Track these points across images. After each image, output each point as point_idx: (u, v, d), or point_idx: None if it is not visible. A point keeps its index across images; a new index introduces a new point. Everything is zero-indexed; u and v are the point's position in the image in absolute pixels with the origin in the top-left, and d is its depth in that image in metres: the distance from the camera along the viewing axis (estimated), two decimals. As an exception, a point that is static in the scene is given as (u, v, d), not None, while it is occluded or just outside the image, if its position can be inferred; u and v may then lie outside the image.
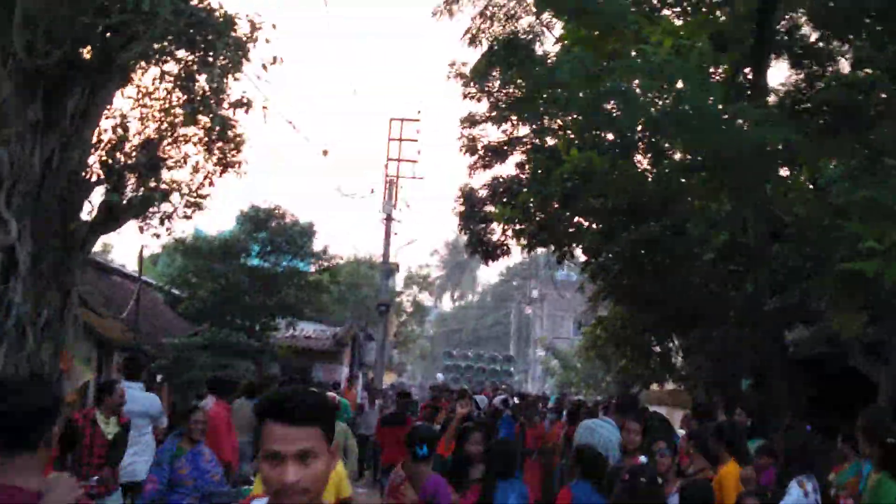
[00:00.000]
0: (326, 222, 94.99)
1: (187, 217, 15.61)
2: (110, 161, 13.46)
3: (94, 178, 13.30)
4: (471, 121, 22.41)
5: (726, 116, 11.09)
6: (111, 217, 13.31)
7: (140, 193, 13.61)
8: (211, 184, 15.35)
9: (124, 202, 13.36)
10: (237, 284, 27.93)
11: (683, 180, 14.39)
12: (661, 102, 11.20)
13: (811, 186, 13.77)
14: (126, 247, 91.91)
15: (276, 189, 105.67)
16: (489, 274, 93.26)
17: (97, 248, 32.54)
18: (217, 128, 15.20)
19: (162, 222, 15.14)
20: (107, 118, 13.54)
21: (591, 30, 11.47)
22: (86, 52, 11.95)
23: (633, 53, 11.38)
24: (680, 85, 10.98)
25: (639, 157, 16.56)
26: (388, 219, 37.50)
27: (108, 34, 11.67)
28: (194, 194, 15.24)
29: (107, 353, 22.03)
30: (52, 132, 11.96)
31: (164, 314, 29.44)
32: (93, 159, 13.23)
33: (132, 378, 11.80)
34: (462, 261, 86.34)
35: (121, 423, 10.18)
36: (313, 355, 34.15)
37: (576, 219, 18.99)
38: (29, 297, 11.90)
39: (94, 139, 13.12)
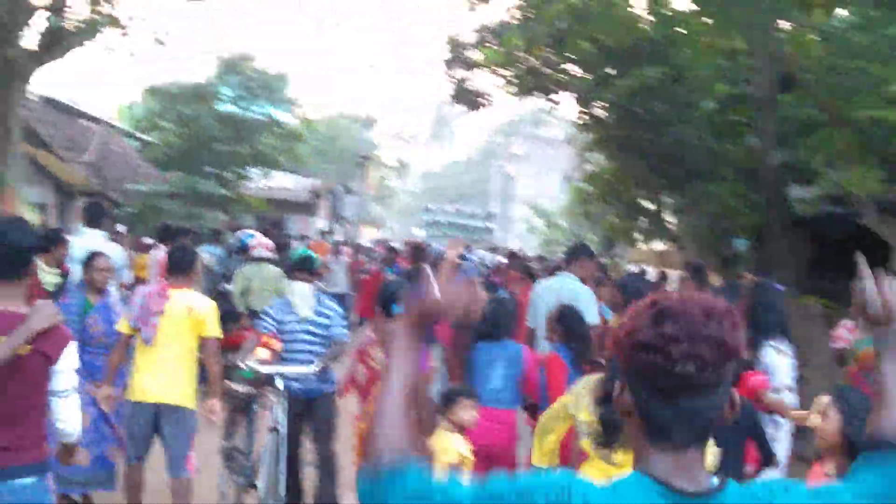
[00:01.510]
0: (305, 74, 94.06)
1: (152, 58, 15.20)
2: None
3: (36, 2, 12.24)
4: None
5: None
6: (54, 43, 12.27)
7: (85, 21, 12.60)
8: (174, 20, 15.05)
9: (70, 27, 12.35)
10: (208, 130, 27.08)
11: (685, 22, 13.41)
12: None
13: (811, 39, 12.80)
14: (104, 95, 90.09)
15: (255, 44, 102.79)
16: (473, 132, 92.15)
17: (72, 94, 31.86)
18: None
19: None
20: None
21: None
22: None
23: None
24: None
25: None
26: (371, 68, 36.34)
27: None
28: (157, 32, 14.85)
29: (67, 198, 21.32)
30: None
31: (132, 161, 28.72)
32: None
33: (93, 225, 10.41)
34: (445, 116, 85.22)
35: (62, 273, 9.23)
36: (288, 207, 33.34)
37: (567, 65, 17.95)
38: (-37, 130, 11.03)
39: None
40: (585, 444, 4.74)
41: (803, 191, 13.90)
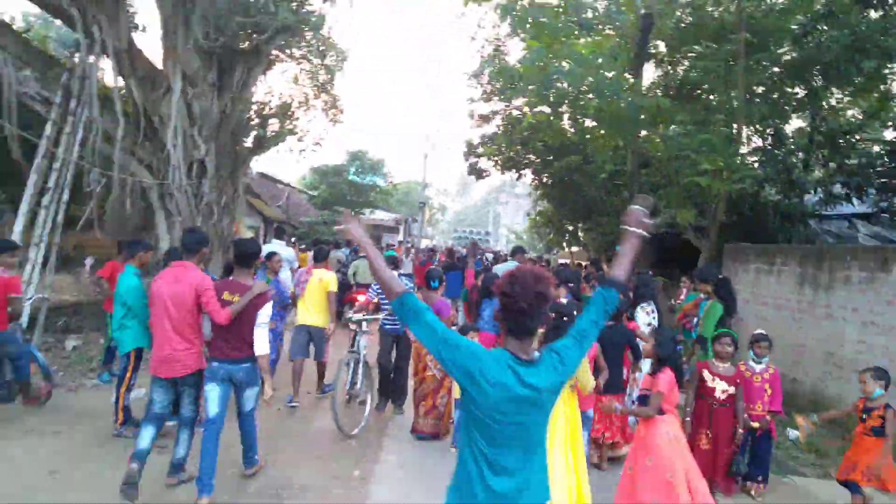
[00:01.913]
0: (392, 157, 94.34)
1: (314, 151, 15.34)
2: (262, 111, 12.28)
3: (252, 121, 12.12)
4: (470, 99, 21.16)
5: (626, 88, 9.77)
6: (260, 145, 12.16)
7: (277, 132, 12.51)
8: (326, 132, 15.19)
9: (269, 136, 12.27)
10: (342, 189, 27.53)
11: (591, 131, 13.06)
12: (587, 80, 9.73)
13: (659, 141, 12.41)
14: (291, 172, 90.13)
15: (362, 137, 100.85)
16: (480, 190, 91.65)
17: (276, 172, 32.25)
18: (331, 101, 14.79)
19: (301, 153, 14.94)
20: (264, 90, 12.37)
21: (543, 38, 9.94)
22: (244, 44, 10.50)
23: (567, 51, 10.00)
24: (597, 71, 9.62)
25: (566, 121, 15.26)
26: (425, 157, 36.39)
27: (256, 33, 10.19)
28: (316, 138, 15.10)
29: (269, 224, 21.23)
30: (225, 93, 10.70)
31: (304, 205, 28.75)
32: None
33: (279, 237, 10.71)
34: (465, 181, 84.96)
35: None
36: (383, 229, 33.14)
37: (528, 155, 17.65)
38: (214, 189, 10.86)
39: (253, 98, 11.91)
40: None
41: (652, 220, 13.56)
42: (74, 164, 9.04)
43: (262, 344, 4.59)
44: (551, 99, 11.35)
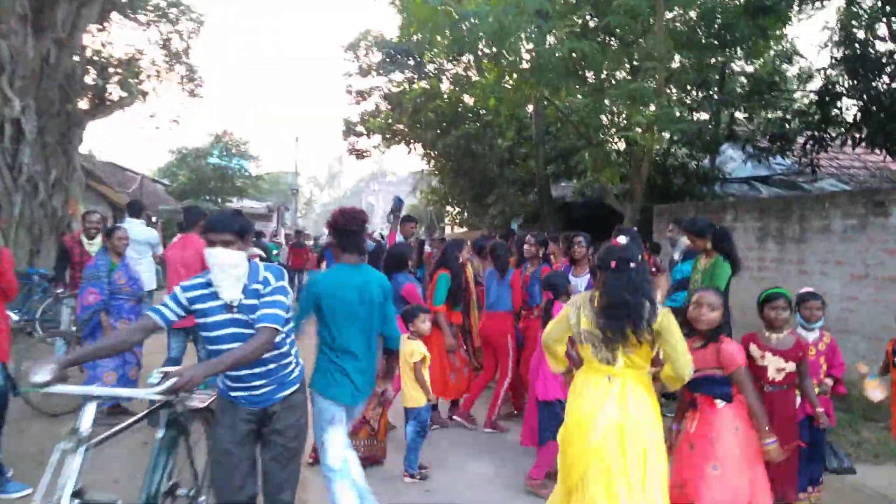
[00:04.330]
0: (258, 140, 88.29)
1: (171, 129, 13.20)
2: (97, 59, 9.67)
3: (87, 78, 9.51)
4: (348, 74, 19.15)
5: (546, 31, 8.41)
6: (101, 104, 9.57)
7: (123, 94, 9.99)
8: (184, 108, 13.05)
9: (114, 99, 9.74)
10: (205, 174, 24.36)
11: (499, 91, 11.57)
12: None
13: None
14: (144, 162, 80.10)
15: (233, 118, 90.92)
16: (350, 180, 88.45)
17: (127, 162, 28.22)
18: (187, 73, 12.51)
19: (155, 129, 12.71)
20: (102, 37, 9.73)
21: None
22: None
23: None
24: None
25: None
26: (297, 140, 33.78)
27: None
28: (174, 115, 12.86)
29: (118, 212, 18.13)
30: (45, 33, 8.12)
31: (160, 195, 25.33)
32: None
33: (134, 216, 7.61)
34: (334, 170, 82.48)
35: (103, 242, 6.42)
36: (255, 218, 30.07)
37: (418, 128, 15.94)
38: (38, 159, 8.30)
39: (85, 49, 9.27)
40: (585, 349, 2.84)
41: (564, 189, 12.46)
42: None
43: None
44: (458, 52, 9.83)
